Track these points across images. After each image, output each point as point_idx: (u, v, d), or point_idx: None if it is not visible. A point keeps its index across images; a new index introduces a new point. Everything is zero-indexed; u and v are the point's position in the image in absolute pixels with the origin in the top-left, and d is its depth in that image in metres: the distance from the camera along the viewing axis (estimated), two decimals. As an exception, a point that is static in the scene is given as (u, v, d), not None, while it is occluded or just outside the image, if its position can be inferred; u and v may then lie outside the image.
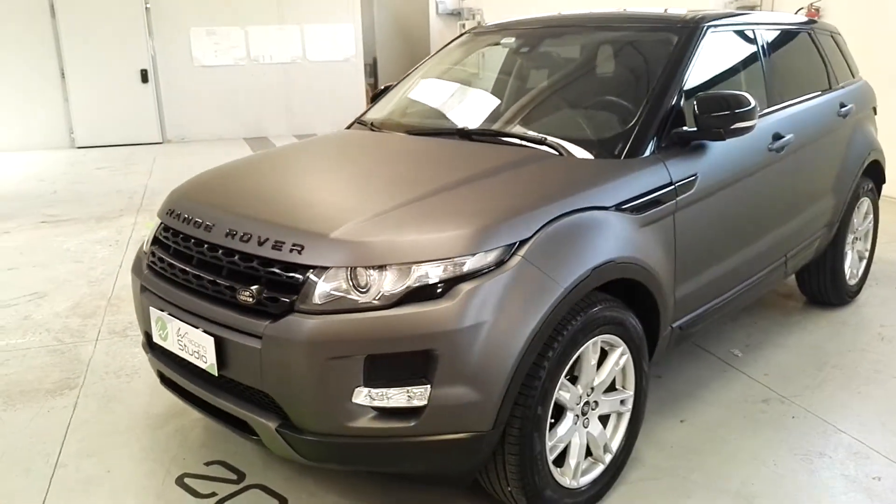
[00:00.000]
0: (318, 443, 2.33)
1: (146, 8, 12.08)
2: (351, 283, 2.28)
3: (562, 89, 3.47)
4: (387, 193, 2.65)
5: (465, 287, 2.24)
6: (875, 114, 4.63)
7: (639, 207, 2.72)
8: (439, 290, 2.24)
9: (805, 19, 4.35)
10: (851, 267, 4.53)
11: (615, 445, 2.77)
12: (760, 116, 3.45)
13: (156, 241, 2.87)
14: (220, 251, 2.52)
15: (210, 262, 2.54)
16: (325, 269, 2.29)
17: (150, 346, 2.85)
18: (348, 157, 3.32)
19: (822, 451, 3.06)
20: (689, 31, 3.27)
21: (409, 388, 2.25)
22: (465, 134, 3.22)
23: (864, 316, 4.44)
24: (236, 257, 2.46)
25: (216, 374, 2.48)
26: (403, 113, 3.76)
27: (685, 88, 3.10)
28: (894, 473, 2.90)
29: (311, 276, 2.29)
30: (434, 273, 2.26)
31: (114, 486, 2.89)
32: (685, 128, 2.98)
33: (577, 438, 2.62)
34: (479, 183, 2.66)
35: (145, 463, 3.05)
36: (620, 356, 2.69)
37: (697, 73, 3.23)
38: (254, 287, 2.35)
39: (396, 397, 2.26)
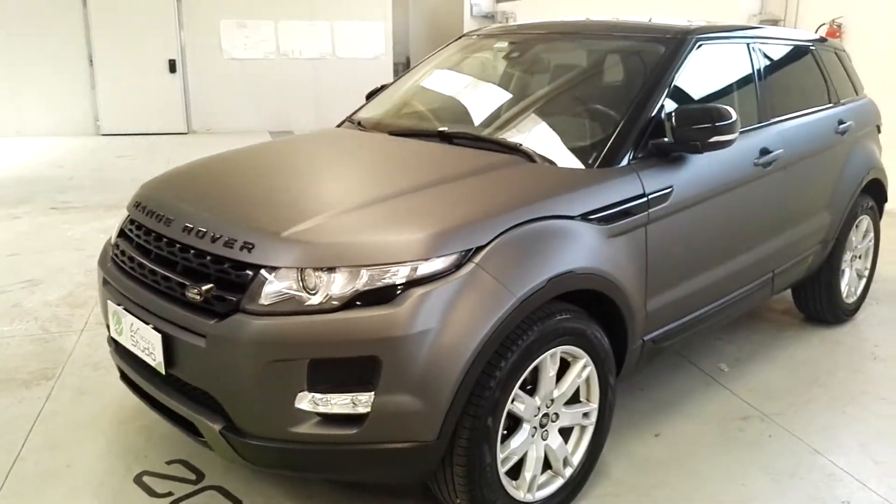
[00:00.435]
0: (261, 447, 2.30)
1: (177, -2, 12.17)
2: (300, 285, 2.24)
3: (545, 96, 3.41)
4: (348, 194, 2.61)
5: (414, 293, 2.19)
6: (879, 132, 4.52)
7: (607, 218, 2.65)
8: (387, 295, 2.20)
9: (807, 35, 4.24)
10: (849, 285, 4.42)
11: (577, 459, 2.70)
12: (749, 131, 3.40)
13: (122, 233, 2.86)
14: (177, 246, 2.49)
15: (166, 258, 2.52)
16: (275, 268, 2.25)
17: (113, 340, 2.83)
18: (322, 156, 3.29)
19: (795, 471, 2.97)
20: (676, 43, 3.20)
21: (352, 394, 2.21)
22: (444, 136, 3.17)
23: (859, 335, 4.33)
24: (191, 253, 2.43)
25: (164, 373, 2.45)
26: (390, 113, 3.72)
27: (669, 100, 3.02)
28: (865, 498, 2.81)
29: (260, 276, 2.25)
30: (383, 277, 2.21)
31: (72, 483, 2.87)
32: (664, 139, 2.90)
33: (534, 451, 2.55)
34: (444, 187, 2.61)
35: (107, 458, 3.03)
36: (583, 368, 2.62)
37: (684, 85, 3.17)
38: (201, 284, 2.32)
39: (340, 403, 2.21)
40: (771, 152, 3.42)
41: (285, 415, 2.23)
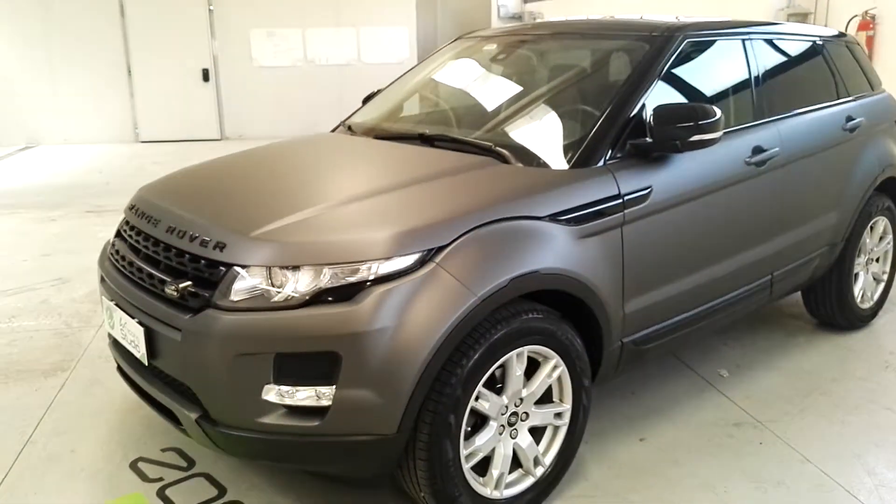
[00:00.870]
0: (233, 436, 2.39)
1: (209, 10, 12.62)
2: (267, 282, 2.33)
3: (527, 98, 3.44)
4: (320, 196, 2.70)
5: (374, 291, 2.26)
6: (898, 127, 4.39)
7: (578, 219, 2.66)
8: (349, 293, 2.27)
9: (813, 29, 4.16)
10: (865, 290, 4.32)
11: (549, 459, 2.73)
12: (742, 129, 3.37)
13: (118, 234, 3.00)
14: (161, 246, 2.61)
15: (152, 256, 2.64)
16: (244, 266, 2.35)
17: (110, 334, 2.97)
18: (305, 160, 3.39)
19: (781, 480, 2.94)
20: (661, 41, 3.19)
21: (316, 387, 2.29)
22: (425, 139, 3.23)
23: (874, 342, 4.23)
24: (172, 252, 2.55)
25: (146, 364, 2.58)
26: (378, 117, 3.80)
27: (654, 100, 3.02)
28: (850, 509, 2.77)
29: (230, 274, 2.35)
30: (344, 275, 2.29)
31: (72, 466, 3.03)
32: (646, 139, 2.90)
33: (502, 449, 2.59)
34: (413, 188, 2.68)
35: (108, 445, 3.18)
36: (553, 369, 2.65)
37: (670, 83, 3.17)
38: (178, 281, 2.43)
39: (304, 396, 2.30)
40: (765, 151, 3.37)
41: (253, 406, 2.32)
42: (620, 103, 2.97)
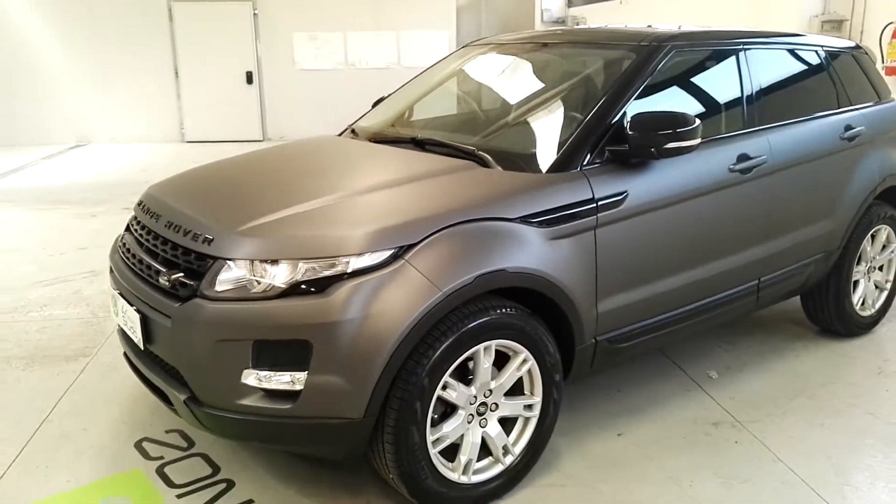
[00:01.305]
0: (216, 416, 2.58)
1: (254, 14, 13.02)
2: (250, 275, 2.52)
3: (515, 104, 3.58)
4: (306, 195, 2.86)
5: (345, 285, 2.43)
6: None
7: (549, 221, 2.80)
8: (321, 286, 2.45)
9: (816, 39, 4.20)
10: (867, 297, 4.35)
11: (518, 449, 2.87)
12: (729, 137, 3.46)
13: (127, 228, 3.23)
14: (160, 239, 2.83)
15: (152, 249, 2.86)
16: (229, 260, 2.54)
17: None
18: (303, 161, 3.58)
19: (749, 477, 3.03)
20: (648, 51, 3.30)
21: (290, 373, 2.47)
22: (417, 143, 3.39)
23: (871, 349, 4.26)
24: (168, 246, 2.77)
25: (143, 348, 2.79)
26: (380, 121, 3.97)
27: (637, 108, 3.13)
28: (813, 506, 2.86)
29: (216, 266, 2.55)
30: (318, 269, 2.47)
31: (82, 444, 3.26)
32: (623, 146, 3.01)
33: (470, 436, 2.74)
34: (394, 189, 2.85)
35: (117, 426, 3.41)
36: (523, 363, 2.79)
37: (655, 92, 3.28)
38: (171, 272, 2.64)
39: (279, 380, 2.48)
40: (752, 158, 3.45)
41: (234, 388, 2.51)
42: (600, 111, 3.09)
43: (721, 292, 3.48)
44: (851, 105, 4.12)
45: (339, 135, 4.03)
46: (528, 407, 2.87)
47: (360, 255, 2.47)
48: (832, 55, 4.14)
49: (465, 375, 2.70)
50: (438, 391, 2.60)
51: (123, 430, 3.37)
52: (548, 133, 3.22)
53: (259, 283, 2.50)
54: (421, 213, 2.63)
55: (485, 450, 2.82)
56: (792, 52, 3.98)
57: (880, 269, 4.43)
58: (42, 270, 5.74)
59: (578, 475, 3.03)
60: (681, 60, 3.42)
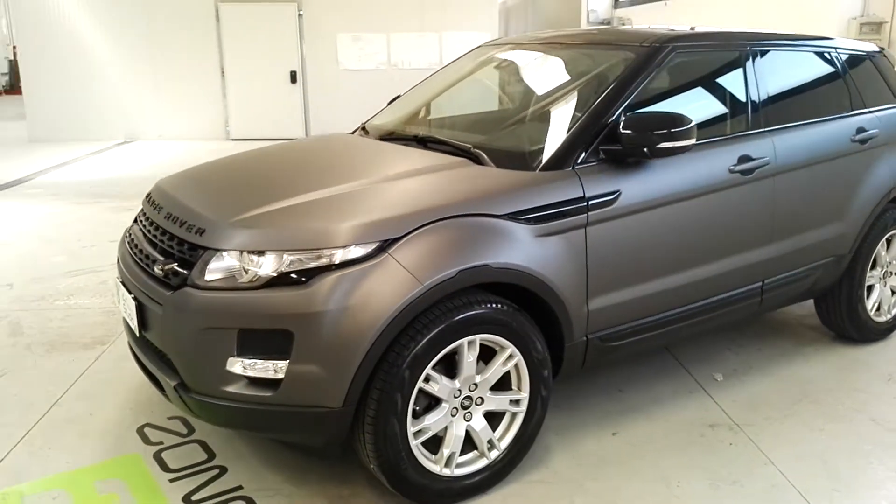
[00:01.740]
0: (203, 402, 2.66)
1: (299, 15, 13.22)
2: (237, 265, 2.59)
3: (515, 103, 3.61)
4: (300, 188, 2.91)
5: (328, 276, 2.49)
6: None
7: (538, 218, 2.81)
8: (304, 277, 2.51)
9: (828, 41, 4.11)
10: (882, 303, 4.26)
11: (504, 444, 2.89)
12: (731, 138, 3.43)
13: (135, 220, 3.34)
14: (160, 230, 2.92)
15: (152, 239, 2.95)
16: (218, 249, 2.62)
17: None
18: (306, 156, 3.66)
19: (738, 479, 3.00)
20: (649, 52, 3.30)
21: (273, 361, 2.53)
22: (419, 140, 3.44)
23: (885, 356, 4.16)
24: (166, 236, 2.85)
25: (138, 335, 2.89)
26: (390, 119, 4.03)
27: (636, 108, 3.14)
28: (797, 510, 2.82)
29: (206, 256, 2.63)
30: (304, 261, 2.53)
31: (87, 427, 3.38)
32: (617, 146, 3.01)
33: (454, 430, 2.77)
34: (386, 184, 2.90)
35: (122, 411, 3.52)
36: (509, 358, 2.81)
37: (656, 93, 3.28)
38: (165, 261, 2.72)
39: (262, 368, 2.55)
40: (753, 160, 3.42)
41: (220, 375, 2.58)
42: (596, 111, 3.10)
43: (721, 293, 3.45)
44: (866, 108, 4.04)
45: (353, 132, 4.09)
46: (515, 402, 2.89)
47: (345, 247, 2.52)
48: (846, 58, 4.07)
49: (451, 369, 2.74)
50: (421, 384, 2.63)
51: (128, 416, 3.47)
52: (542, 132, 3.24)
53: (246, 272, 2.57)
54: (407, 208, 2.67)
55: (471, 444, 2.85)
56: (801, 54, 3.92)
57: (893, 274, 4.33)
58: (74, 261, 5.93)
59: (567, 472, 3.04)
60: (683, 62, 3.40)
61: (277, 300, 2.50)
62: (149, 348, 2.93)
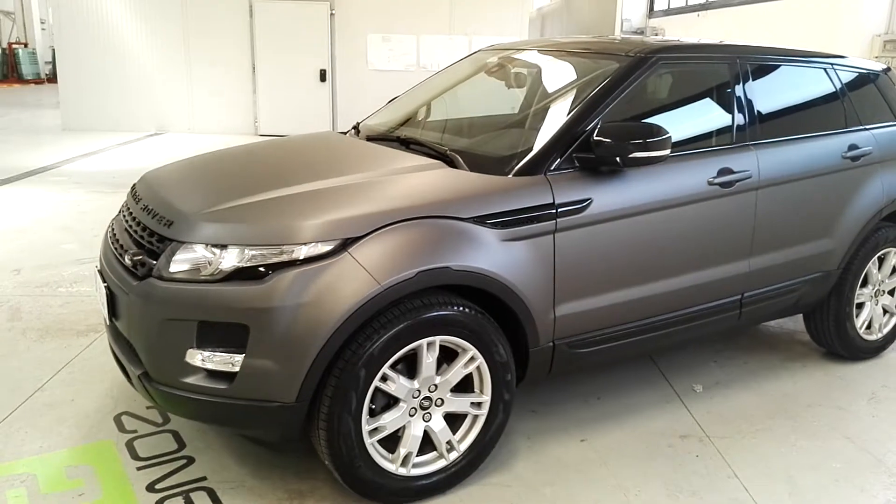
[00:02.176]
0: (164, 393, 2.72)
1: (331, 14, 13.39)
2: (201, 257, 2.64)
3: (499, 108, 3.63)
4: (269, 185, 2.96)
5: (286, 273, 2.53)
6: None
7: (504, 223, 2.83)
8: (263, 273, 2.55)
9: (824, 56, 4.06)
10: (873, 321, 4.21)
11: (463, 446, 2.91)
12: (712, 150, 3.41)
13: (119, 210, 3.42)
14: (136, 221, 2.99)
15: (128, 230, 3.03)
16: (184, 243, 2.67)
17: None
18: (289, 153, 3.70)
19: (698, 490, 2.99)
20: (633, 62, 3.29)
21: (229, 354, 2.58)
22: (402, 141, 3.47)
23: (872, 374, 4.11)
24: (140, 227, 2.92)
25: (108, 323, 2.96)
26: (381, 120, 4.06)
27: (616, 117, 3.13)
28: (748, 524, 2.80)
29: (171, 247, 2.69)
30: (266, 256, 2.57)
31: (65, 413, 3.46)
32: (591, 154, 3.02)
33: (412, 429, 2.80)
34: (358, 183, 2.92)
35: (103, 398, 3.60)
36: (471, 360, 2.83)
37: (636, 103, 3.29)
38: (135, 252, 2.79)
39: (219, 361, 2.60)
40: (734, 173, 3.40)
41: (179, 366, 2.64)
42: (573, 119, 3.11)
43: (697, 305, 3.43)
44: (861, 125, 3.99)
45: (347, 131, 4.14)
46: (477, 405, 2.91)
47: (305, 244, 2.56)
48: (844, 75, 4.02)
49: (412, 369, 2.76)
50: (378, 382, 2.66)
51: (108, 403, 3.55)
52: (520, 138, 3.27)
53: (209, 265, 2.62)
54: (371, 207, 2.71)
55: (431, 444, 2.87)
56: (793, 69, 3.88)
57: (890, 293, 4.27)
58: (84, 249, 6.06)
59: (527, 477, 3.06)
60: (668, 73, 3.40)
61: (234, 294, 2.55)
62: (119, 337, 3.00)
